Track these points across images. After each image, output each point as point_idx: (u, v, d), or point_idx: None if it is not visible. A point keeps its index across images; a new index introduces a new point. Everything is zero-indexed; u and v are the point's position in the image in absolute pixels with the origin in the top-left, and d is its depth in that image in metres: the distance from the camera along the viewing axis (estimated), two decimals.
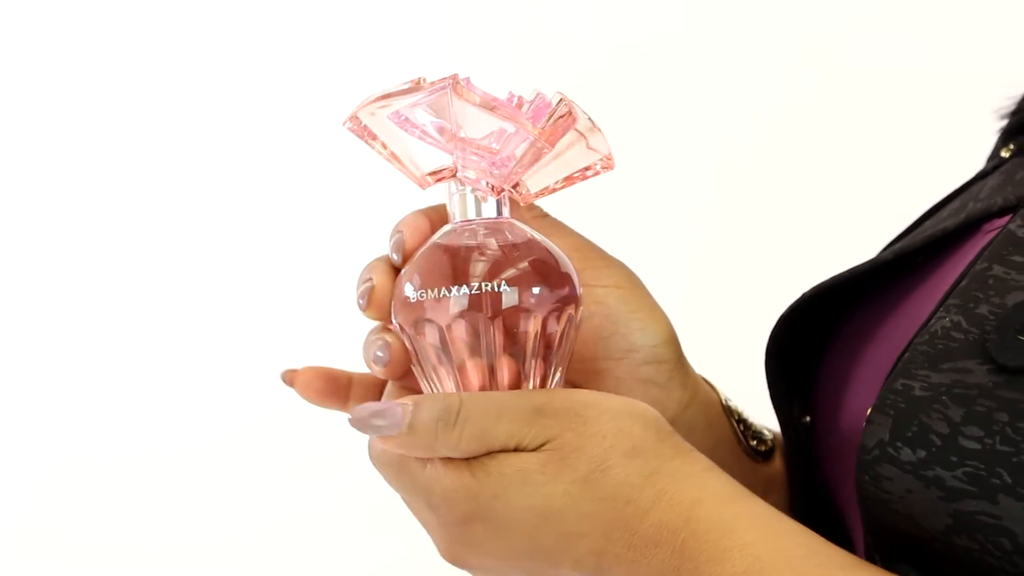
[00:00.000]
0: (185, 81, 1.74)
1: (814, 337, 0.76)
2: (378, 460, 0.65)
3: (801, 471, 0.77)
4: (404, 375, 0.68)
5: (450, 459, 0.62)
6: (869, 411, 0.61)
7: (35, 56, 1.73)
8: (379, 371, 0.68)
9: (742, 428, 0.80)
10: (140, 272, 1.74)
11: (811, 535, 0.60)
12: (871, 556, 0.62)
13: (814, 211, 1.68)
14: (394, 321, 0.67)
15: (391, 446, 0.63)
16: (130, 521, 1.72)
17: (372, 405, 0.64)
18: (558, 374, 0.67)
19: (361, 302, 0.68)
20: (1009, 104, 0.81)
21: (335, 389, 0.74)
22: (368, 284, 0.68)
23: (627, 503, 0.60)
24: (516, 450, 0.61)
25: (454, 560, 0.65)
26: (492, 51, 1.71)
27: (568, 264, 0.67)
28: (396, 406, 0.63)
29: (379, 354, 0.67)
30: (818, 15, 1.70)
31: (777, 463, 0.82)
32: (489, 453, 0.61)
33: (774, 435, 0.82)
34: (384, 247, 0.70)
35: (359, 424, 0.63)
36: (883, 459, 0.59)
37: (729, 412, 0.79)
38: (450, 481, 0.62)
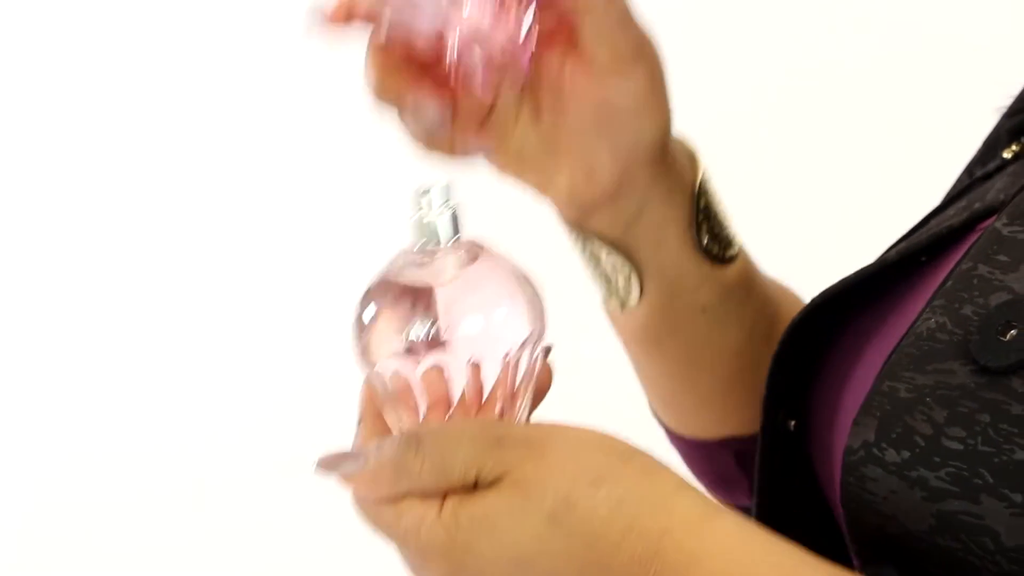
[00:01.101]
0: (184, 81, 1.74)
1: (815, 342, 0.77)
2: (359, 511, 0.65)
3: (781, 476, 0.77)
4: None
5: (423, 514, 0.61)
6: (856, 413, 0.61)
7: (35, 56, 1.73)
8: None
9: (702, 219, 0.78)
10: (139, 273, 1.74)
11: (782, 552, 0.60)
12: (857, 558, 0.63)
13: (813, 212, 1.69)
14: (359, 361, 0.65)
15: (356, 486, 0.63)
16: (130, 521, 1.72)
17: (337, 450, 0.64)
18: (526, 406, 0.66)
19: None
20: (1011, 102, 0.80)
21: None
22: None
23: (598, 538, 0.60)
24: (476, 483, 0.61)
25: None
26: None
27: (534, 290, 0.65)
28: (358, 447, 0.63)
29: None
30: (818, 13, 1.70)
31: (736, 271, 0.80)
32: (454, 497, 0.61)
33: (742, 251, 0.81)
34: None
35: (325, 467, 0.63)
36: (868, 460, 0.59)
37: (698, 197, 0.78)
38: (425, 538, 0.61)
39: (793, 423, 0.76)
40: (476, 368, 0.63)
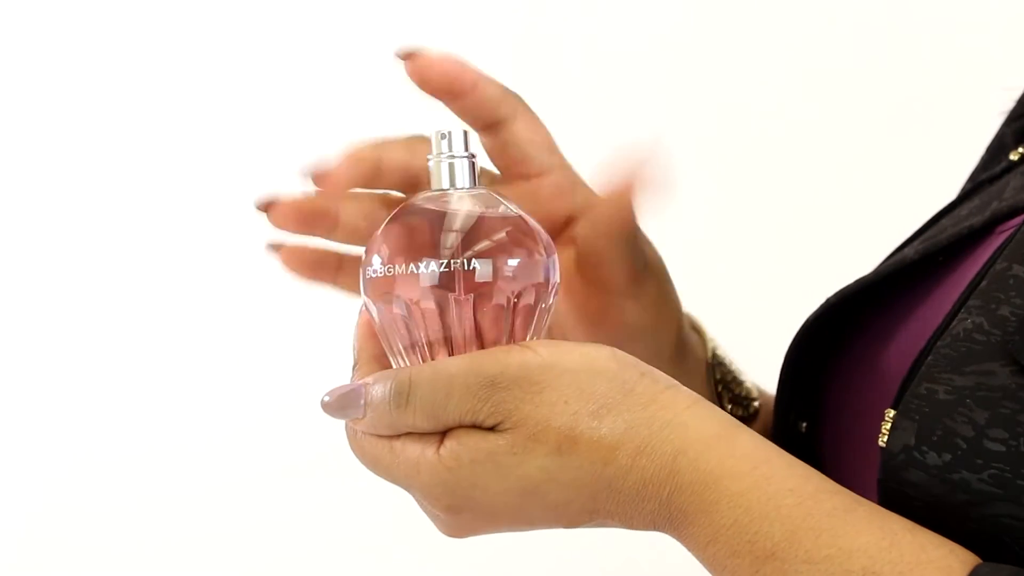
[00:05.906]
0: (181, 81, 1.74)
1: (828, 341, 0.76)
2: (355, 450, 0.65)
3: None
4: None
5: (422, 453, 0.61)
6: (893, 416, 0.60)
7: (35, 56, 1.73)
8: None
9: (721, 390, 0.80)
10: (140, 272, 1.73)
11: (800, 475, 0.59)
12: None
13: (815, 213, 1.68)
14: (362, 294, 0.65)
15: (361, 427, 0.63)
16: (130, 521, 1.72)
17: (338, 388, 0.63)
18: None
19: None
20: (1013, 104, 0.80)
21: (322, 263, 0.73)
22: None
23: (606, 465, 0.60)
24: (475, 426, 0.60)
25: (455, 536, 0.65)
26: (490, 51, 1.70)
27: (545, 236, 0.65)
28: (359, 386, 0.63)
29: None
30: (819, 14, 1.70)
31: (760, 423, 0.81)
32: (454, 436, 0.61)
33: (760, 397, 0.82)
34: None
35: (329, 409, 0.63)
36: (909, 464, 0.59)
37: (712, 370, 0.79)
38: (426, 476, 0.61)
39: (805, 424, 0.76)
40: (482, 309, 0.62)
